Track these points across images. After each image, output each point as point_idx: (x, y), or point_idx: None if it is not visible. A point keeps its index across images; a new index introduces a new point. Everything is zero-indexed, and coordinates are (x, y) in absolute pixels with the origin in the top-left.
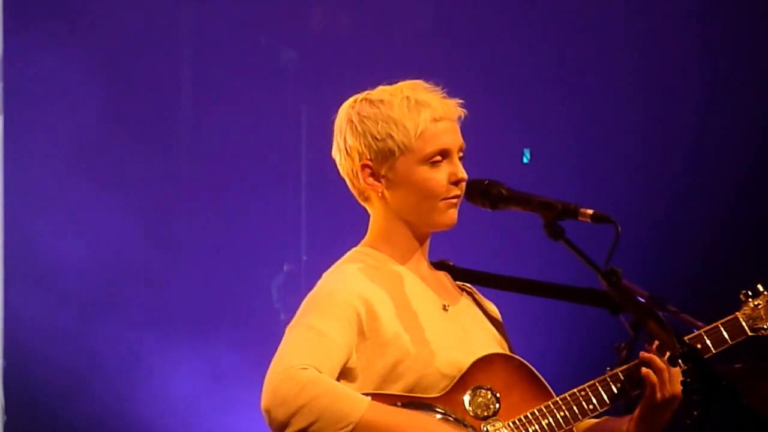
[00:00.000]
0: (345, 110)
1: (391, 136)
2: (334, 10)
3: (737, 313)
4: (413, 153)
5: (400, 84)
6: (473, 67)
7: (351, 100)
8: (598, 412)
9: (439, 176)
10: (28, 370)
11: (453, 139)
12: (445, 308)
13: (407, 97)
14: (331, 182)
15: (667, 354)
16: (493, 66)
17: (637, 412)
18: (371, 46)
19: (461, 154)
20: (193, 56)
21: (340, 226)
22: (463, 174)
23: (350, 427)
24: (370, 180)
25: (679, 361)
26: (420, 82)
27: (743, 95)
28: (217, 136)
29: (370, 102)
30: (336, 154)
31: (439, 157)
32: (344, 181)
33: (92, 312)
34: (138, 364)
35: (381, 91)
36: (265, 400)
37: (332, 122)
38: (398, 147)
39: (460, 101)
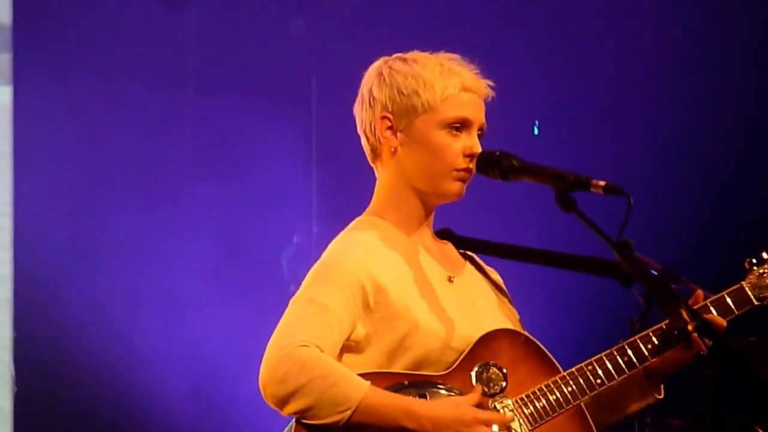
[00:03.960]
0: (377, 65)
1: (417, 93)
2: None
3: (742, 282)
4: (435, 114)
5: (438, 53)
6: (484, 36)
7: (384, 57)
8: (606, 386)
9: (456, 145)
10: (39, 342)
11: (476, 113)
12: (450, 280)
13: (441, 64)
14: (341, 153)
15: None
16: (504, 35)
17: (667, 354)
18: (382, 16)
19: (480, 133)
20: (203, 27)
21: (350, 198)
22: (478, 149)
23: (350, 411)
24: (387, 134)
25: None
26: (457, 56)
27: (758, 69)
28: (226, 107)
29: (404, 60)
30: (358, 106)
31: (458, 126)
32: (358, 138)
33: (104, 280)
34: (149, 335)
35: (417, 53)
36: (263, 376)
37: (342, 93)
38: (422, 105)
39: (492, 83)
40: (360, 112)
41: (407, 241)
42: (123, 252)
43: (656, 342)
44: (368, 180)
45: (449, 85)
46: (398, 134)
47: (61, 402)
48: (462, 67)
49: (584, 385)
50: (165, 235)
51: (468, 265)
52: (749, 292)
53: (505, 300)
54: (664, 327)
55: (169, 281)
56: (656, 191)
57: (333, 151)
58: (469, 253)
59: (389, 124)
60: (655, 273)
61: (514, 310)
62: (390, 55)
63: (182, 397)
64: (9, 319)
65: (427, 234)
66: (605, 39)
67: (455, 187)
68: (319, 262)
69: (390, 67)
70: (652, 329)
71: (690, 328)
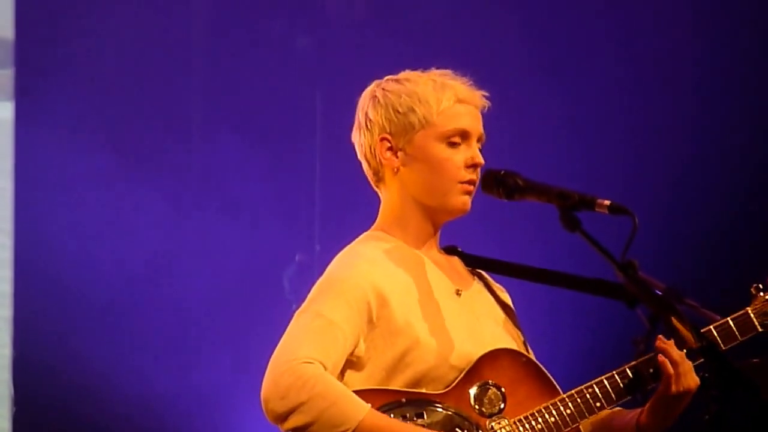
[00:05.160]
0: (370, 89)
1: (413, 110)
2: None
3: (748, 308)
4: (433, 128)
5: (430, 70)
6: (492, 51)
7: (376, 81)
8: (605, 409)
9: (456, 157)
10: (38, 361)
11: (473, 123)
12: (458, 293)
13: (433, 79)
14: (345, 171)
15: (685, 348)
16: (513, 52)
17: (649, 404)
18: (387, 32)
19: (479, 145)
20: (208, 42)
21: (353, 216)
22: (479, 159)
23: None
24: (387, 154)
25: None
26: (449, 71)
27: (756, 80)
28: (229, 123)
29: (396, 80)
30: (356, 132)
31: (458, 138)
32: (360, 163)
33: (104, 303)
34: (151, 358)
35: (408, 73)
36: (265, 390)
37: (346, 110)
38: (419, 121)
39: (486, 93)
40: (359, 138)
41: (414, 254)
42: (125, 271)
43: (658, 365)
44: (371, 198)
45: (444, 98)
46: (399, 153)
47: (60, 422)
48: (454, 80)
49: (583, 408)
50: (167, 252)
51: (476, 282)
52: (754, 319)
53: (512, 320)
54: None
55: (174, 299)
56: (662, 212)
57: (336, 168)
58: (479, 270)
59: (389, 144)
60: (660, 293)
61: (520, 331)
62: (397, 72)
63: (186, 420)
64: (8, 339)
65: (433, 249)
66: (609, 57)
67: (461, 200)
68: (325, 274)
69: (383, 89)
70: (654, 353)
71: (695, 348)
